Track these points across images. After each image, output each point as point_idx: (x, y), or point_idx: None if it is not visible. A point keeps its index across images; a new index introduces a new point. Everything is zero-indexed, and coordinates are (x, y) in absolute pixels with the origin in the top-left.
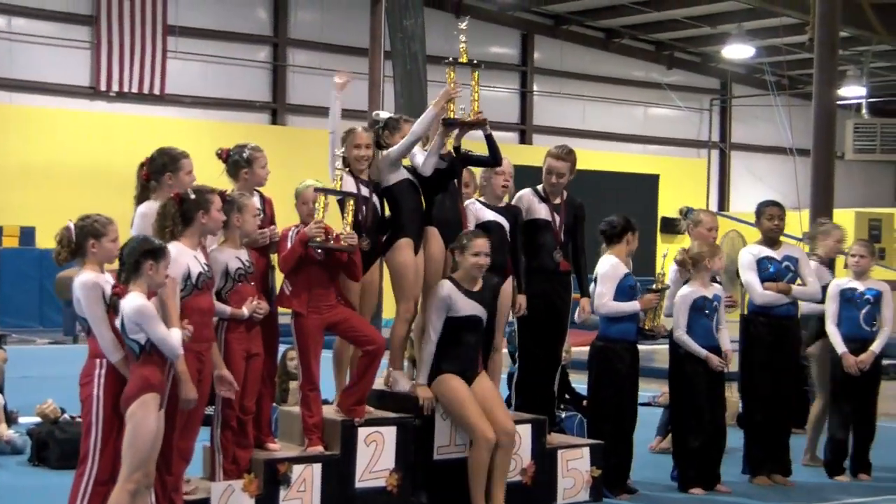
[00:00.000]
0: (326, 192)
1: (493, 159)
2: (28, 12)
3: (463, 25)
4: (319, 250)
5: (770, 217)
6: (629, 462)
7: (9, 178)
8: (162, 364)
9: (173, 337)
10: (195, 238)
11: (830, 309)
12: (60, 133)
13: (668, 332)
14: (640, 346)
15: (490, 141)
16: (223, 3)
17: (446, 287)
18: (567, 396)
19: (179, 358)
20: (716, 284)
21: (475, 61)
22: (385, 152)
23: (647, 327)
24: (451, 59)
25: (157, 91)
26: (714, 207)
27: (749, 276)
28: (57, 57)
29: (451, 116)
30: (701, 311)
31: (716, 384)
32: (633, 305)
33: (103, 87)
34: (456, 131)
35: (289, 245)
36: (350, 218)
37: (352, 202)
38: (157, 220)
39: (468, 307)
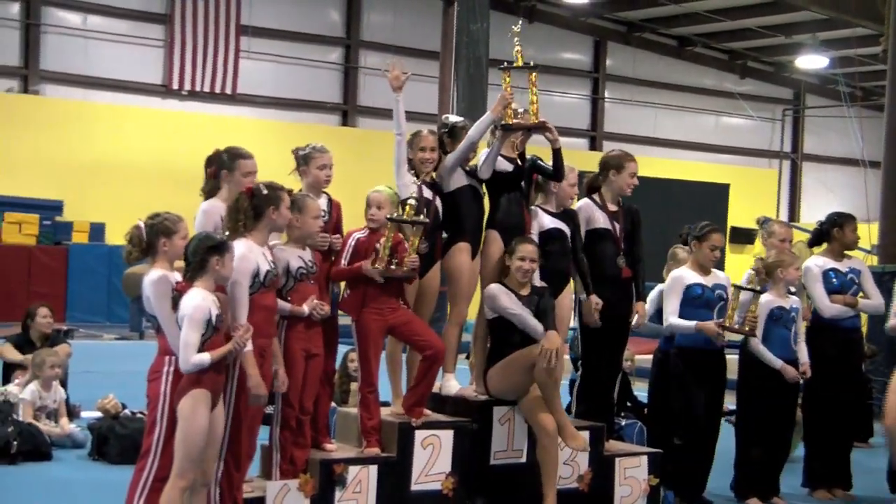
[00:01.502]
0: (396, 221)
1: (555, 173)
2: (103, 10)
3: (517, 28)
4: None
5: (854, 230)
6: (693, 471)
7: (80, 174)
8: (217, 362)
9: (199, 356)
10: (264, 234)
11: None
12: (132, 130)
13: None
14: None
15: (557, 155)
16: (296, 4)
17: (494, 287)
18: (628, 404)
19: (245, 355)
20: (793, 296)
21: (531, 63)
22: (445, 159)
23: (727, 324)
24: (505, 63)
25: (228, 90)
26: (784, 218)
27: (817, 289)
28: (131, 55)
29: (509, 121)
30: (778, 322)
31: (787, 396)
32: (689, 325)
33: (175, 86)
34: (520, 136)
35: (344, 259)
36: (416, 243)
37: (418, 230)
38: (230, 214)
39: (518, 306)
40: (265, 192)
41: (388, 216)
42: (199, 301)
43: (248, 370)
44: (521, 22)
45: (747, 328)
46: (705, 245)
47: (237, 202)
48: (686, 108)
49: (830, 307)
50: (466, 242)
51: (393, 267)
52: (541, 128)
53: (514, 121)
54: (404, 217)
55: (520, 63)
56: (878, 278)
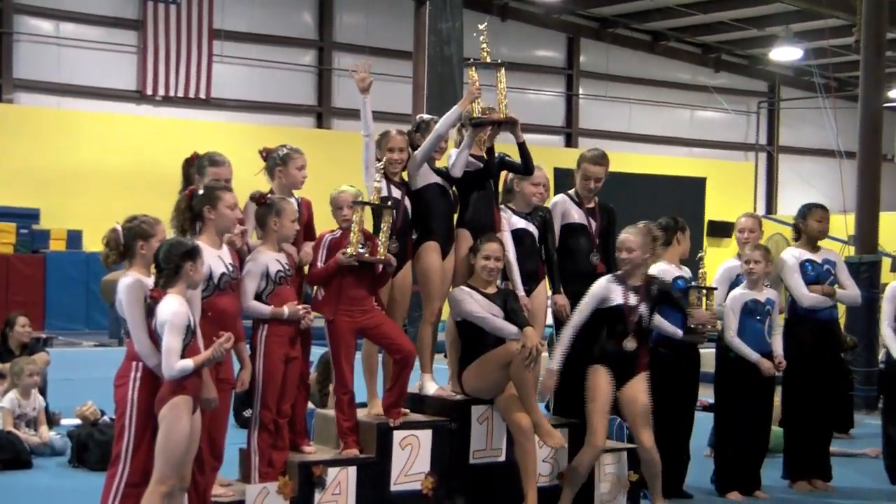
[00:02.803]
0: (362, 204)
1: (524, 168)
2: (76, 17)
3: (482, 27)
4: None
5: (819, 220)
6: (672, 467)
7: (56, 181)
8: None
9: (182, 362)
10: (212, 235)
11: (889, 311)
12: (107, 137)
13: (715, 332)
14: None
15: (523, 150)
16: (269, 7)
17: (457, 292)
18: None
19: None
20: (769, 288)
21: (498, 60)
22: (413, 155)
23: (692, 325)
24: (471, 59)
25: (202, 95)
26: (761, 211)
27: (795, 279)
28: (104, 61)
29: (476, 115)
30: (752, 315)
31: (764, 389)
32: (672, 329)
33: (150, 92)
34: (489, 131)
35: (320, 262)
36: (387, 230)
37: (387, 214)
38: (174, 215)
39: (484, 305)
40: (201, 192)
41: (353, 201)
42: (178, 307)
43: (202, 375)
44: (487, 21)
45: (708, 327)
46: (687, 234)
47: (179, 204)
48: (661, 102)
49: (809, 296)
50: (435, 241)
51: (366, 255)
52: (508, 123)
53: (483, 115)
54: (370, 201)
55: (485, 59)
56: (856, 269)
